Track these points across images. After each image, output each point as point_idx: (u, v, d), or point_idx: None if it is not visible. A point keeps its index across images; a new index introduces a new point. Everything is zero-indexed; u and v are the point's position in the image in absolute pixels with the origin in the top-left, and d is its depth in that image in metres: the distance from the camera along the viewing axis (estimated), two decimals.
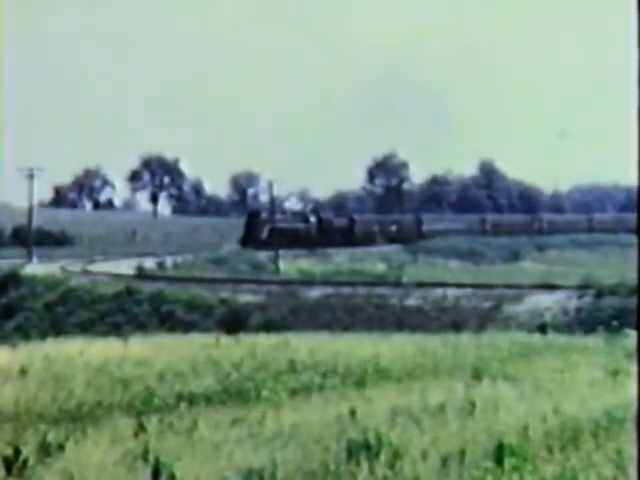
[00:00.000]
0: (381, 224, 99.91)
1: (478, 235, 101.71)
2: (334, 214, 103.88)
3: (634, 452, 10.36)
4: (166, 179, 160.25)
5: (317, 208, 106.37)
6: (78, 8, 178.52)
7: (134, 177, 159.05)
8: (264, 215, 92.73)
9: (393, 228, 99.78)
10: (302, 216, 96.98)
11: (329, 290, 50.11)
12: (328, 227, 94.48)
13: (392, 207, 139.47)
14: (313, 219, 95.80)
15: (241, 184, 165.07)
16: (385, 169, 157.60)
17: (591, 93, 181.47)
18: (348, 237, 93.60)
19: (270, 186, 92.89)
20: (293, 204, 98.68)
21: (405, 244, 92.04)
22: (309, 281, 55.26)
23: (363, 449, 14.02)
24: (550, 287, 47.94)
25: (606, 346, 29.56)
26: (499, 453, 13.54)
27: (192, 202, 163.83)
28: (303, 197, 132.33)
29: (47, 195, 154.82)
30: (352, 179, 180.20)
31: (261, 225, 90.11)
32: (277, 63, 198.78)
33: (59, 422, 18.69)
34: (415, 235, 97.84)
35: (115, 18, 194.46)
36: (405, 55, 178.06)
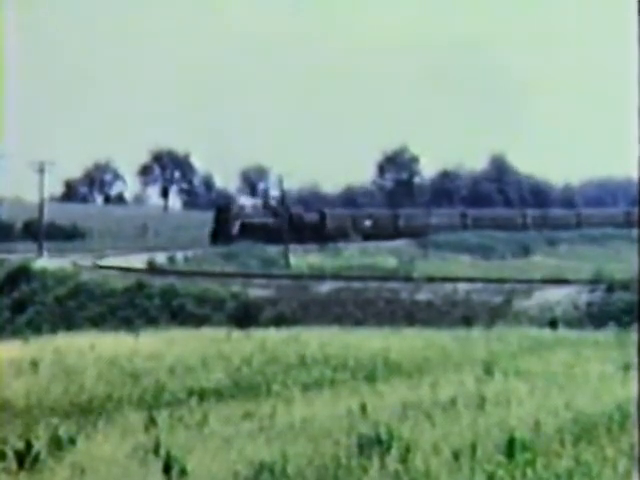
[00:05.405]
0: (354, 219, 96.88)
1: (459, 230, 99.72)
2: (305, 208, 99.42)
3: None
4: (177, 173, 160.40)
5: (287, 202, 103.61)
6: (91, 2, 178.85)
7: (145, 171, 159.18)
8: (234, 210, 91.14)
9: (367, 223, 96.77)
10: (272, 211, 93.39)
11: (340, 284, 50.05)
12: (299, 222, 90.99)
13: (402, 201, 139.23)
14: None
15: (251, 178, 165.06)
16: (396, 163, 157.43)
17: (604, 86, 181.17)
18: (319, 232, 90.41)
19: (280, 180, 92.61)
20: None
21: (380, 240, 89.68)
22: (320, 275, 55.20)
23: (374, 443, 14.00)
24: (561, 282, 47.81)
25: (617, 341, 29.45)
26: (511, 447, 13.52)
27: (202, 196, 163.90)
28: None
29: (58, 189, 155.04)
30: (363, 173, 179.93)
31: (231, 220, 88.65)
32: (289, 58, 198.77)
33: (70, 416, 18.71)
34: (391, 231, 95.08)
35: (127, 13, 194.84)
36: (416, 50, 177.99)
